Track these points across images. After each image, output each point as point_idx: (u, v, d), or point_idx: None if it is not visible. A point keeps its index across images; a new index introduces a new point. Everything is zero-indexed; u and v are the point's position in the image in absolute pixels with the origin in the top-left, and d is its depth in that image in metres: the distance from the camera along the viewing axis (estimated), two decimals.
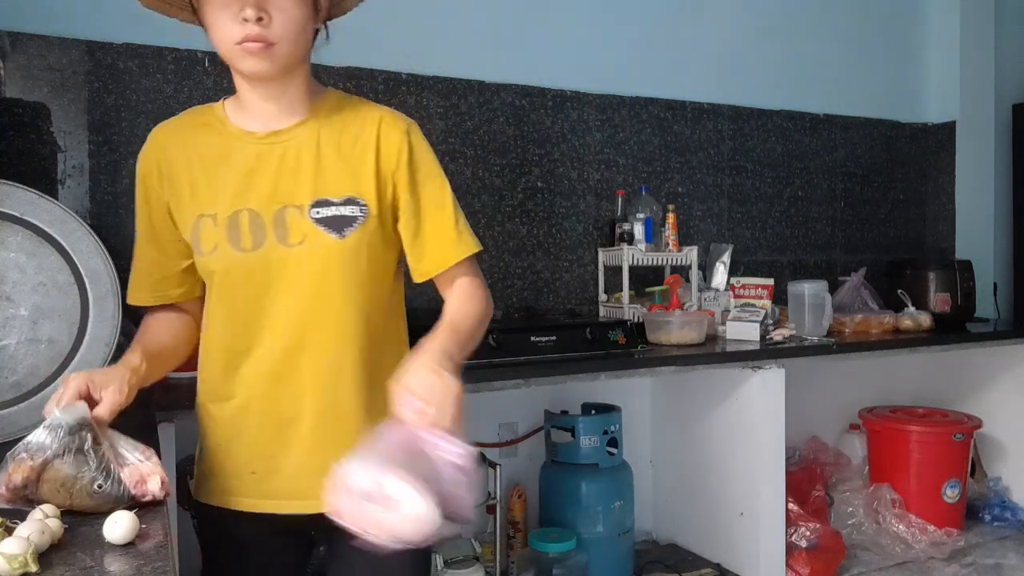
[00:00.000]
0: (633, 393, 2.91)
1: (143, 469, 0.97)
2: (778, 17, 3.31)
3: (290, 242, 1.22)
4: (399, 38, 2.57)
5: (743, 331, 2.60)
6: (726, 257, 2.97)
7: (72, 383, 1.07)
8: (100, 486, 0.92)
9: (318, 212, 1.22)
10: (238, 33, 1.16)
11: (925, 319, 2.95)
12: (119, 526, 0.83)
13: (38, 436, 0.95)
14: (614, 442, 2.50)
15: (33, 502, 0.92)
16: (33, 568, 0.75)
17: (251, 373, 1.26)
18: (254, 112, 1.29)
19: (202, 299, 1.36)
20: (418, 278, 1.34)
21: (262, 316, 1.24)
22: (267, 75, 1.22)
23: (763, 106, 3.26)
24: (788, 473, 2.57)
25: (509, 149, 2.73)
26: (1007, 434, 3.26)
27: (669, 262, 2.86)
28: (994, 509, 3.14)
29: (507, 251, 2.73)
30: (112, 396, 1.08)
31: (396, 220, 1.30)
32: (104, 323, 1.49)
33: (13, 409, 1.37)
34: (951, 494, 2.97)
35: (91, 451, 0.95)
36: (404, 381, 1.03)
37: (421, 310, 2.53)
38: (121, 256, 2.19)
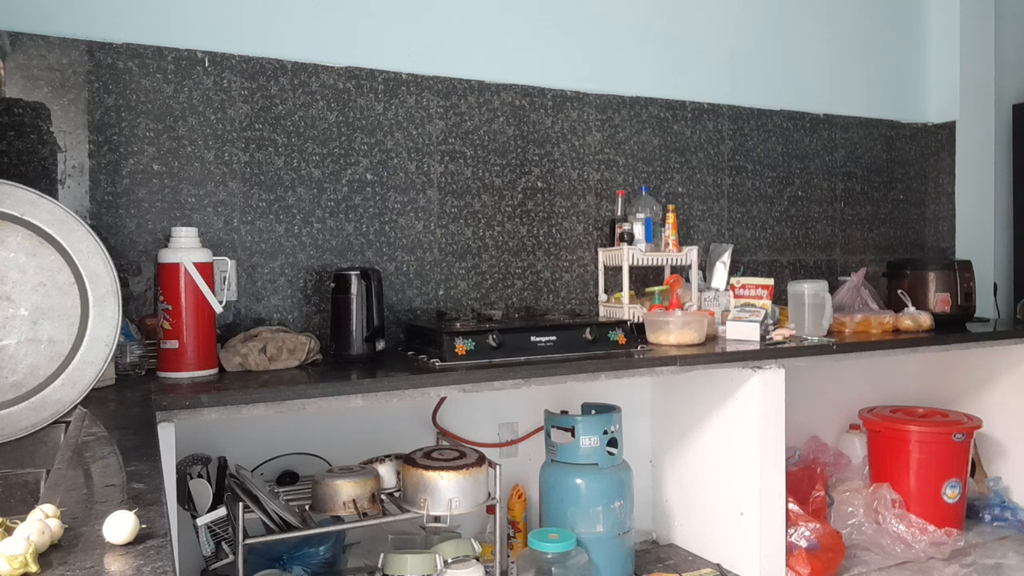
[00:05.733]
0: (633, 393, 2.91)
1: None
2: (778, 17, 3.32)
3: None
4: (399, 38, 2.57)
5: (743, 331, 2.60)
6: (726, 257, 2.97)
7: None
8: None
9: None
10: None
11: (925, 319, 2.95)
12: (119, 526, 0.83)
13: None
14: (614, 442, 2.50)
15: None
16: (33, 568, 0.75)
17: None
18: None
19: None
20: None
21: None
22: None
23: (763, 106, 3.26)
24: (788, 473, 2.57)
25: (509, 149, 2.73)
26: (1007, 434, 3.26)
27: (669, 262, 2.86)
28: (994, 509, 3.14)
29: (507, 251, 2.73)
30: None
31: None
32: (104, 323, 1.49)
33: (13, 409, 1.38)
34: (951, 494, 2.97)
35: None
36: None
37: (420, 310, 2.54)
38: (121, 256, 2.21)
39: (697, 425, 2.71)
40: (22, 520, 0.83)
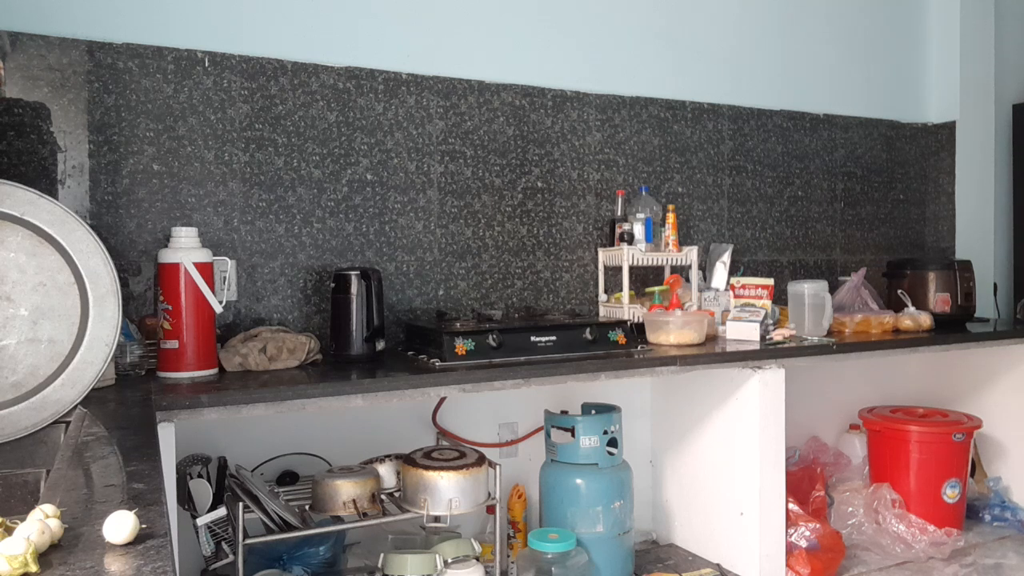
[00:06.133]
0: (633, 393, 2.91)
1: None
2: (778, 17, 3.32)
3: None
4: (399, 38, 2.57)
5: (743, 331, 2.60)
6: (726, 257, 2.97)
7: None
8: None
9: None
10: None
11: (925, 319, 2.95)
12: (119, 526, 0.83)
13: None
14: (614, 442, 2.50)
15: None
16: (33, 568, 0.75)
17: None
18: None
19: None
20: None
21: None
22: None
23: (763, 106, 3.26)
24: (788, 473, 2.57)
25: (509, 149, 2.73)
26: (1007, 434, 3.26)
27: (669, 262, 2.86)
28: (994, 509, 3.14)
29: (507, 251, 2.73)
30: None
31: None
32: (104, 323, 1.49)
33: (13, 409, 1.38)
34: (951, 494, 2.97)
35: None
36: None
37: (420, 310, 2.54)
38: (121, 256, 2.21)
39: (697, 425, 2.71)
40: (22, 520, 0.83)
